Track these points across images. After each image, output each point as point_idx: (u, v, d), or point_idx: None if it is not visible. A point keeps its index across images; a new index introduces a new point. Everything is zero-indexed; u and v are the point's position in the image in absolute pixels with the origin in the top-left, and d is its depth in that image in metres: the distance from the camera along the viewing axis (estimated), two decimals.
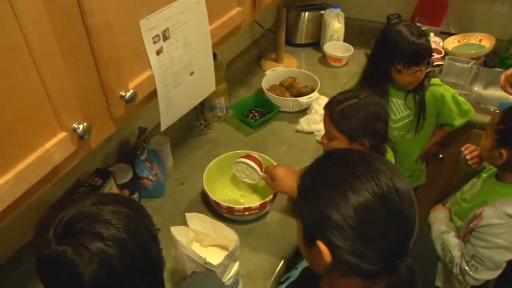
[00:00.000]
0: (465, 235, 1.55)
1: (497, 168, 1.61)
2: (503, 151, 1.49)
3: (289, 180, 1.40)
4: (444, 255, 1.59)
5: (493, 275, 1.48)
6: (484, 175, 1.70)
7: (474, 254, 1.48)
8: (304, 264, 1.33)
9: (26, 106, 0.75)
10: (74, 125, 0.85)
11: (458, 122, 1.87)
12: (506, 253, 1.44)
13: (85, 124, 0.86)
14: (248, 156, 1.56)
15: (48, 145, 0.81)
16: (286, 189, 1.42)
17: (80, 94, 0.86)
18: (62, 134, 0.84)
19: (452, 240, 1.60)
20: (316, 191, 0.81)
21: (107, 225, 0.76)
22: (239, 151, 1.67)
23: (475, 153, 1.74)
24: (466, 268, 1.50)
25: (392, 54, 1.66)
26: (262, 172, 1.52)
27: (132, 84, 0.98)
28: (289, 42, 2.62)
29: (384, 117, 1.36)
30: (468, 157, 1.75)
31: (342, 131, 1.36)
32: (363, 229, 0.74)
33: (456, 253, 1.55)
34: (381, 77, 1.76)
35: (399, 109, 1.84)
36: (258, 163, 1.54)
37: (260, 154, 1.62)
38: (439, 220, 1.73)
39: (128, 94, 0.95)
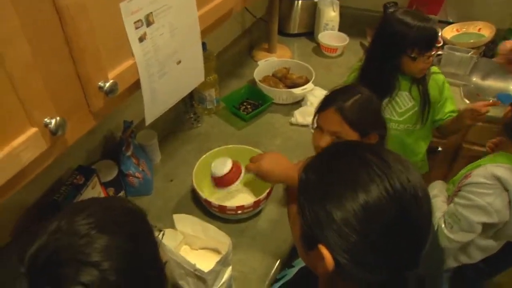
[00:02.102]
0: (452, 198, 1.57)
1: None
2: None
3: (280, 168, 1.24)
4: None
5: (466, 237, 1.50)
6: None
7: (453, 213, 1.51)
8: (302, 262, 1.23)
9: None
10: (45, 119, 0.76)
11: (449, 108, 1.80)
12: (482, 215, 1.45)
13: (58, 118, 0.76)
14: (219, 180, 1.34)
15: (15, 143, 0.72)
16: (279, 178, 1.26)
17: (52, 85, 0.77)
18: (32, 130, 0.74)
19: (439, 203, 1.64)
20: (321, 187, 0.71)
21: (93, 270, 0.62)
22: (230, 145, 1.58)
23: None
24: (443, 226, 1.53)
25: (403, 45, 1.58)
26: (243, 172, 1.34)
27: (112, 74, 0.88)
28: (282, 32, 2.53)
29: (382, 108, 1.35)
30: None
31: (355, 127, 1.27)
32: (369, 233, 0.65)
33: (437, 214, 1.59)
34: (391, 72, 1.69)
35: (404, 101, 1.77)
36: (234, 174, 1.33)
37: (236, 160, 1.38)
38: (433, 187, 1.77)
39: (108, 84, 0.86)
